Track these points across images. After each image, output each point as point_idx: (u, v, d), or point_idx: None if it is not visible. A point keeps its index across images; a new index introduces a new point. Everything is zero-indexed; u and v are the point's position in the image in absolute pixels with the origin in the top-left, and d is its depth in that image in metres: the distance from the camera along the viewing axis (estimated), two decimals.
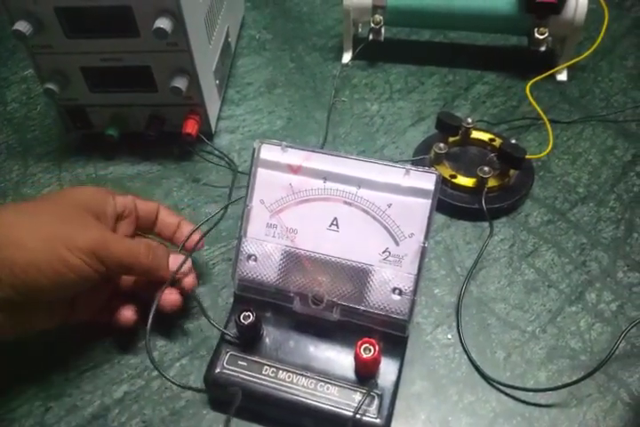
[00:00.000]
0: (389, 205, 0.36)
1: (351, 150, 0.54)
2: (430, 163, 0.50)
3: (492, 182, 0.47)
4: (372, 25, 0.59)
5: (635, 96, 0.59)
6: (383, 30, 0.60)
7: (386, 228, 0.36)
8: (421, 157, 0.51)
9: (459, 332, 0.41)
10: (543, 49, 0.58)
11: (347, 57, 0.62)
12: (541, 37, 0.57)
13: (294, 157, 0.36)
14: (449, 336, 0.41)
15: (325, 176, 0.36)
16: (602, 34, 0.56)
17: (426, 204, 0.35)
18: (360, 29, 0.66)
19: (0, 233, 0.34)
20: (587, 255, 0.46)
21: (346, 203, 0.36)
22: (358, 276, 0.36)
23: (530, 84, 0.54)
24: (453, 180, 0.48)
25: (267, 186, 0.37)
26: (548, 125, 0.52)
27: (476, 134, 0.51)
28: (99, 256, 0.35)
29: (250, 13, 0.69)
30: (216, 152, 0.52)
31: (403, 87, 0.60)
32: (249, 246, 0.37)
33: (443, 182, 0.48)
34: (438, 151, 0.48)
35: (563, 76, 0.60)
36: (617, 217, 0.48)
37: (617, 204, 0.49)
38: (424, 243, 0.35)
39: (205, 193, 0.50)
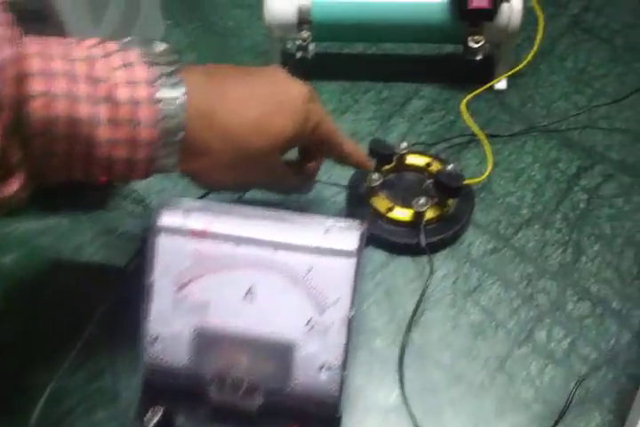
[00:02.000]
0: (310, 269, 0.30)
1: None
2: (365, 195, 0.44)
3: (430, 213, 0.42)
4: (299, 42, 0.53)
5: (576, 101, 0.54)
6: (311, 47, 0.54)
7: (308, 295, 0.30)
8: (356, 185, 0.45)
9: (402, 392, 0.36)
10: (479, 58, 0.53)
11: None
12: (476, 46, 0.51)
13: (198, 221, 0.31)
14: (392, 397, 0.36)
15: (235, 240, 0.30)
16: (537, 41, 0.51)
17: (350, 264, 0.30)
18: (289, 45, 0.60)
19: (221, 101, 0.31)
20: (534, 286, 0.41)
21: (261, 269, 0.30)
22: (281, 352, 0.30)
23: (464, 100, 0.48)
24: (389, 214, 0.43)
25: (170, 255, 0.31)
26: (487, 146, 0.46)
27: (411, 159, 0.46)
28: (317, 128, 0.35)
29: (171, 32, 0.61)
30: (132, 196, 0.46)
31: (336, 107, 0.54)
32: (154, 327, 0.31)
33: (379, 217, 0.43)
34: (372, 184, 0.43)
35: (502, 85, 0.54)
36: (564, 239, 0.44)
37: (563, 224, 0.45)
38: (351, 311, 0.30)
39: (121, 246, 0.43)
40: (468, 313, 0.39)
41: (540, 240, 0.43)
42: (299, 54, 0.54)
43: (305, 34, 0.52)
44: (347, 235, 0.30)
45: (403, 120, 0.52)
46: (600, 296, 0.40)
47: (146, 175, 0.30)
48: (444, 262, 0.42)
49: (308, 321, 0.30)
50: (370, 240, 0.43)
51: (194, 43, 0.60)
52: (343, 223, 0.30)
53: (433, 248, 0.42)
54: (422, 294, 0.39)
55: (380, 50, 0.59)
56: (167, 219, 0.31)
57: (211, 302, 0.31)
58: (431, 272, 0.40)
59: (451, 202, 0.43)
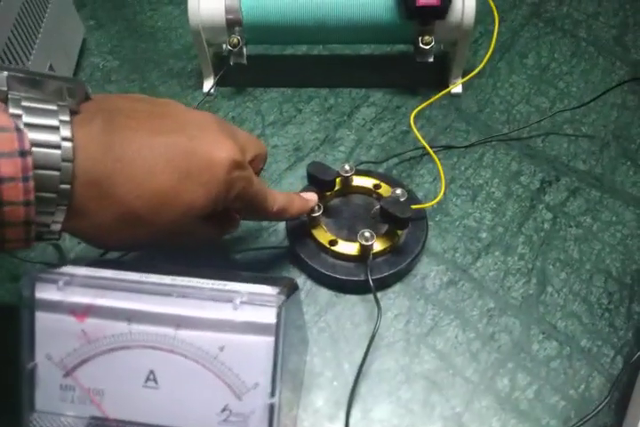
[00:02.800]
0: (222, 348, 0.24)
1: None
2: (307, 225, 0.39)
3: (379, 245, 0.37)
4: (229, 47, 0.46)
5: (538, 103, 0.48)
6: (245, 51, 0.47)
7: (221, 378, 0.24)
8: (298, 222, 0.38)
9: None
10: (431, 60, 0.46)
11: (207, 84, 0.49)
12: (427, 47, 0.45)
13: (83, 294, 0.25)
14: None
15: (128, 317, 0.24)
16: (493, 41, 0.45)
17: (268, 343, 0.24)
18: (224, 47, 0.53)
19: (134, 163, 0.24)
20: (495, 325, 0.36)
21: (163, 350, 0.25)
22: None
23: (413, 113, 0.42)
24: (333, 247, 0.37)
25: (51, 335, 0.25)
26: (439, 165, 0.40)
27: (357, 181, 0.40)
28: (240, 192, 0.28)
29: (93, 35, 0.54)
30: None
31: (277, 118, 0.47)
32: (40, 420, 0.25)
33: (322, 250, 0.37)
34: (312, 214, 0.37)
35: (457, 88, 0.49)
36: (527, 267, 0.39)
37: (526, 249, 0.40)
38: (272, 397, 0.24)
39: None
40: (423, 360, 0.34)
41: (500, 269, 0.38)
42: (232, 60, 0.47)
43: (235, 38, 0.45)
44: (264, 308, 0.24)
45: (350, 133, 0.46)
46: (568, 333, 0.35)
47: (26, 247, 0.24)
48: (395, 300, 0.37)
49: (223, 409, 0.24)
50: (313, 277, 0.39)
51: (118, 47, 0.53)
52: (261, 291, 0.25)
53: (383, 284, 0.37)
54: (370, 343, 0.34)
55: (325, 50, 0.53)
56: (44, 292, 0.25)
57: (105, 390, 0.25)
58: (379, 315, 0.34)
59: (401, 231, 0.37)
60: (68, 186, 0.22)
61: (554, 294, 0.37)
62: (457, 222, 0.41)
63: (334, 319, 0.36)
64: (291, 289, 0.26)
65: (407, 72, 0.50)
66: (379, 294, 0.37)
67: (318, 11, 0.44)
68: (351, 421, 0.32)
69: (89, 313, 0.24)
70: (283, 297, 0.24)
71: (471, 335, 0.35)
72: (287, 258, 0.39)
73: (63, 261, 0.26)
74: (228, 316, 0.24)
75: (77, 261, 0.26)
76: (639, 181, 0.43)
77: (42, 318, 0.25)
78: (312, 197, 0.36)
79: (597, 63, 0.51)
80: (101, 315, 0.24)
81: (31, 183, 0.21)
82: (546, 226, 0.41)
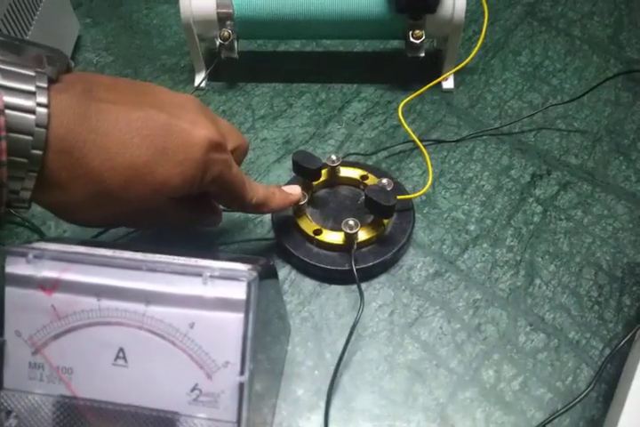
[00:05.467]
0: (192, 325, 0.24)
1: None
2: (292, 215, 0.38)
3: (364, 235, 0.36)
4: (220, 41, 0.47)
5: (531, 99, 0.48)
6: (236, 45, 0.47)
7: (191, 356, 0.24)
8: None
9: None
10: (422, 55, 0.47)
11: (199, 79, 0.50)
12: (417, 42, 0.46)
13: (49, 268, 0.25)
14: None
15: (98, 292, 0.24)
16: (482, 35, 0.45)
17: (237, 320, 0.24)
18: (217, 42, 0.53)
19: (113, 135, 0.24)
20: (482, 316, 0.36)
21: (132, 327, 0.24)
22: (162, 426, 0.25)
23: (401, 105, 0.43)
24: (318, 236, 0.37)
25: (21, 311, 0.25)
26: (426, 156, 0.40)
27: (345, 172, 0.40)
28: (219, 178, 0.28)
29: (88, 32, 0.55)
30: (27, 224, 0.40)
31: (267, 112, 0.48)
32: (7, 399, 0.25)
33: (307, 240, 0.37)
34: (297, 203, 0.37)
35: (449, 84, 0.49)
36: (515, 259, 0.38)
37: (515, 241, 0.39)
38: (242, 375, 0.24)
39: None
40: (406, 351, 0.34)
41: (488, 261, 0.38)
42: (224, 54, 0.47)
43: (227, 32, 0.46)
44: (233, 283, 0.24)
45: (340, 126, 0.46)
46: (556, 325, 0.35)
47: None
48: (380, 291, 0.37)
49: (193, 388, 0.24)
50: (298, 267, 0.38)
51: (112, 44, 0.53)
52: (231, 267, 0.25)
53: (368, 275, 0.37)
54: (351, 332, 0.33)
55: (319, 47, 0.53)
56: (14, 267, 0.24)
57: (74, 367, 0.25)
58: (362, 305, 0.34)
59: (387, 221, 0.37)
60: (39, 152, 0.22)
61: (542, 287, 0.37)
62: (445, 215, 0.40)
63: (318, 309, 0.36)
64: (265, 269, 0.26)
65: (400, 69, 0.51)
66: (364, 285, 0.36)
67: (309, 5, 0.45)
68: (331, 411, 0.31)
69: (58, 287, 0.24)
70: (254, 273, 0.24)
71: (456, 326, 0.35)
72: (273, 250, 0.39)
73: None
74: (197, 291, 0.24)
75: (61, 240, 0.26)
76: (631, 176, 0.43)
77: (11, 293, 0.25)
78: (295, 190, 0.35)
79: (592, 61, 0.51)
80: (70, 289, 0.24)
81: (3, 144, 0.21)
82: (535, 219, 0.40)
